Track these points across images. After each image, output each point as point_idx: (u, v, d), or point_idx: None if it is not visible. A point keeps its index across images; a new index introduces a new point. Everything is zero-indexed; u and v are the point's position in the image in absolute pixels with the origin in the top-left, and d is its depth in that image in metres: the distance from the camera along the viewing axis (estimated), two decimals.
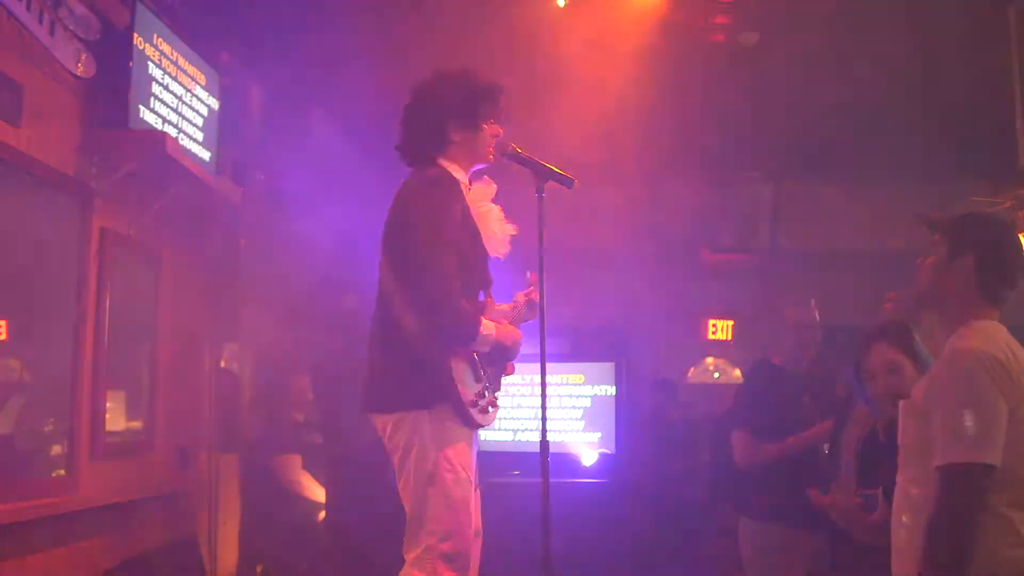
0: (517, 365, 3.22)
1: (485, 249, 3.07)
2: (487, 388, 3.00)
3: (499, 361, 3.09)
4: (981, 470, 2.31)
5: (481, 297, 3.17)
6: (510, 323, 3.13)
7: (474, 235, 3.03)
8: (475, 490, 3.03)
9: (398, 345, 2.93)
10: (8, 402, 3.85)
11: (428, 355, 2.87)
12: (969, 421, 2.34)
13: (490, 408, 3.00)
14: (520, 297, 3.25)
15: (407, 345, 2.90)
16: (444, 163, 3.08)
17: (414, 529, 2.90)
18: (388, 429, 2.95)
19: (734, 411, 4.55)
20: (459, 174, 3.09)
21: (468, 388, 2.89)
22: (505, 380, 3.18)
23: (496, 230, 3.11)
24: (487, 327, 2.92)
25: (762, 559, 4.26)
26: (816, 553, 3.94)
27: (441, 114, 3.06)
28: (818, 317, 4.39)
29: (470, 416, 2.88)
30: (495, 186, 3.19)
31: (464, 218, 3.00)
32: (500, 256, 3.14)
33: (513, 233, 3.14)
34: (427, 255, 2.83)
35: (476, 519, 3.02)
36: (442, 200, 2.94)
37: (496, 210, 3.14)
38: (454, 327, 2.86)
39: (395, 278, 2.94)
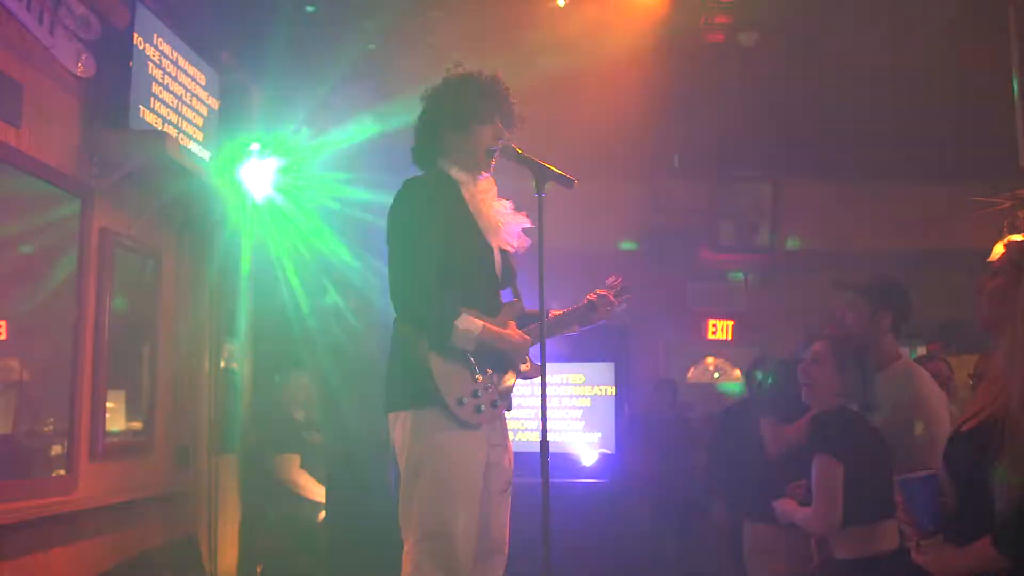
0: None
1: (488, 243, 3.06)
2: (484, 387, 2.95)
3: (503, 361, 3.04)
4: None
5: (510, 297, 3.18)
6: (527, 333, 3.07)
7: (473, 231, 3.02)
8: (502, 495, 3.03)
9: (393, 346, 3.01)
10: (8, 402, 3.85)
11: (411, 353, 2.89)
12: None
13: (485, 407, 2.94)
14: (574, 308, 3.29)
15: (398, 346, 2.97)
16: (444, 165, 3.10)
17: (404, 522, 2.94)
18: (390, 428, 3.00)
19: (757, 402, 4.48)
20: (460, 175, 3.10)
21: (453, 387, 2.88)
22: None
23: (507, 222, 3.10)
24: (469, 324, 2.88)
25: (763, 561, 4.26)
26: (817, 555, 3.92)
27: (435, 118, 3.10)
28: None
29: (455, 415, 2.87)
30: (494, 182, 3.19)
31: (459, 215, 3.01)
32: (514, 248, 3.14)
33: (529, 225, 3.12)
34: (400, 256, 2.89)
35: (496, 530, 3.01)
36: (420, 201, 2.96)
37: (505, 203, 3.14)
38: (422, 324, 2.89)
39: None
